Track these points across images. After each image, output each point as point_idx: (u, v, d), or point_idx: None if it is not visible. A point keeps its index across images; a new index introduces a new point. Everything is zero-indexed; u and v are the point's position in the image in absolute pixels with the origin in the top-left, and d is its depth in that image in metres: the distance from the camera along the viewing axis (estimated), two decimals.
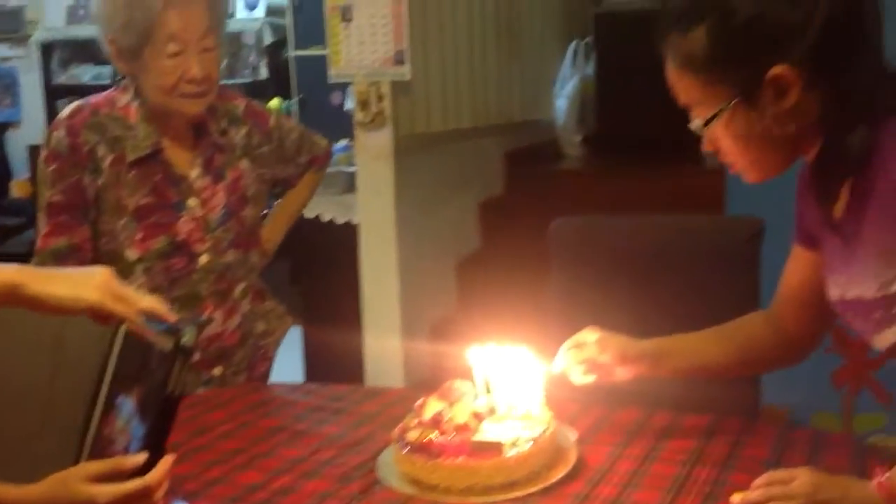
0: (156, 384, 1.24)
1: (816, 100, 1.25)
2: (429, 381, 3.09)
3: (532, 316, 2.43)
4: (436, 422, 1.50)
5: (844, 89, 1.23)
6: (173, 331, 1.24)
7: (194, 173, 2.04)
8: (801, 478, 1.24)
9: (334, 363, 3.25)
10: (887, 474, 1.20)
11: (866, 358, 2.44)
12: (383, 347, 3.18)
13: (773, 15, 1.23)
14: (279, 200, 2.40)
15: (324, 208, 3.68)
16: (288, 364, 3.66)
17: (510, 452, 1.42)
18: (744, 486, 1.33)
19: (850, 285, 1.30)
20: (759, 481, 1.29)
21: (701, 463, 1.45)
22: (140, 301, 1.22)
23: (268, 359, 2.23)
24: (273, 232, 2.32)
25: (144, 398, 1.24)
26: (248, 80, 5.69)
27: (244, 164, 2.11)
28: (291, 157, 2.26)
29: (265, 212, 2.29)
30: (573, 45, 4.61)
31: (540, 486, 1.40)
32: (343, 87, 4.43)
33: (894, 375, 2.40)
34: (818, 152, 1.29)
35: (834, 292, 1.36)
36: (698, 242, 2.12)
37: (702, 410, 1.68)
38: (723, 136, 1.31)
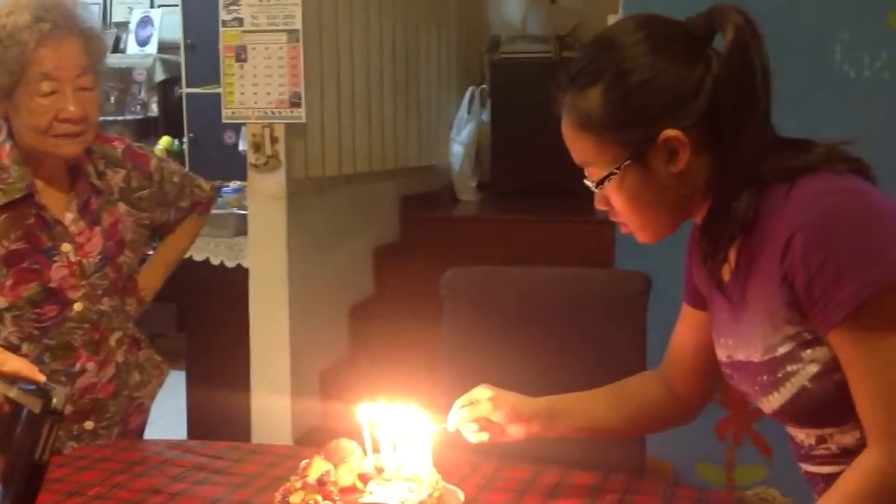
0: (23, 449, 1.16)
1: (705, 163, 1.28)
2: (317, 429, 3.04)
3: (424, 366, 2.42)
4: (321, 484, 1.45)
5: (733, 154, 1.25)
6: (43, 392, 1.17)
7: (69, 217, 1.95)
8: None
9: (219, 413, 3.15)
10: None
11: (749, 410, 2.50)
12: (271, 399, 3.11)
13: (666, 79, 1.25)
14: (158, 246, 2.32)
15: (213, 251, 3.60)
16: (170, 413, 3.55)
17: None
18: None
19: (737, 348, 1.32)
20: None
21: None
22: (5, 363, 1.15)
23: (143, 411, 2.14)
24: (151, 279, 2.23)
25: (10, 465, 1.16)
26: (138, 116, 5.55)
27: (122, 207, 2.04)
28: (172, 201, 2.19)
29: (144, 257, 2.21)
30: (469, 91, 4.65)
31: None
32: (237, 126, 4.36)
33: (775, 428, 2.46)
34: (706, 215, 1.31)
35: (722, 353, 1.38)
36: (589, 295, 2.14)
37: (590, 467, 1.68)
38: (615, 196, 1.32)
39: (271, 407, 3.11)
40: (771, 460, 2.48)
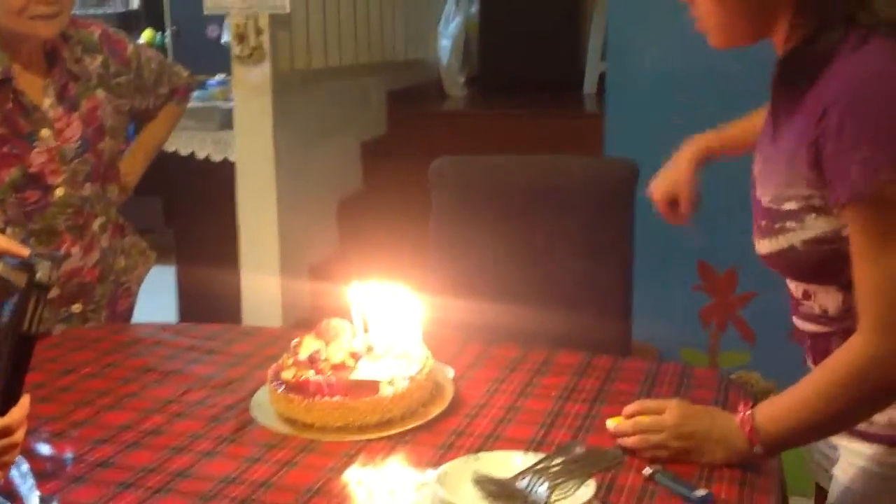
0: (10, 322, 1.17)
1: None
2: (308, 321, 3.07)
3: (412, 257, 2.43)
4: (312, 361, 1.48)
5: None
6: (27, 266, 1.18)
7: (47, 102, 1.94)
8: (669, 409, 1.28)
9: (210, 305, 3.17)
10: (749, 411, 1.24)
11: (732, 297, 2.53)
12: (261, 288, 3.13)
13: None
14: (138, 134, 2.31)
15: (198, 145, 3.57)
16: (162, 306, 3.58)
17: (387, 391, 1.42)
18: None
19: (758, 181, 1.31)
20: (630, 409, 1.32)
21: (573, 398, 1.48)
22: None
23: (130, 295, 2.16)
24: (132, 166, 2.23)
25: None
26: (119, 10, 5.44)
27: (100, 93, 2.02)
28: (151, 88, 2.18)
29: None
30: None
31: (416, 423, 1.40)
32: (220, 19, 4.28)
33: (758, 314, 2.50)
34: (790, 46, 1.24)
35: (754, 169, 1.35)
36: (575, 182, 2.14)
37: (576, 347, 1.71)
38: None
39: (262, 298, 3.13)
40: (753, 345, 2.53)
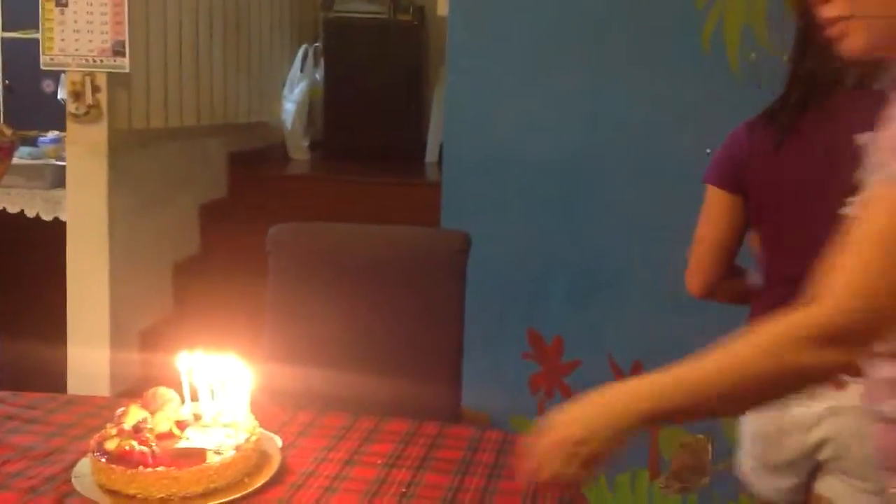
0: None
1: None
2: (136, 391, 2.99)
3: (248, 323, 2.43)
4: (137, 430, 1.46)
5: None
6: None
7: None
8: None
9: (33, 372, 3.03)
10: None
11: (559, 364, 2.64)
12: (88, 354, 3.03)
13: None
14: None
15: (28, 203, 3.44)
16: None
17: (213, 459, 1.41)
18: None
19: None
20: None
21: (398, 465, 1.52)
22: None
23: None
24: None
25: None
26: None
27: None
28: None
29: None
30: (303, 49, 4.62)
31: (241, 492, 1.40)
32: (56, 74, 4.17)
33: (582, 381, 2.61)
34: None
35: None
36: (411, 252, 2.20)
37: (408, 414, 1.75)
38: None
39: (89, 363, 3.03)
40: None
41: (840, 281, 1.04)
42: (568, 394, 2.65)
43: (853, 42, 1.13)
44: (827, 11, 1.14)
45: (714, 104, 2.41)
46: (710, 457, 2.59)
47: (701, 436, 2.58)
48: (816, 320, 1.04)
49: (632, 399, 1.13)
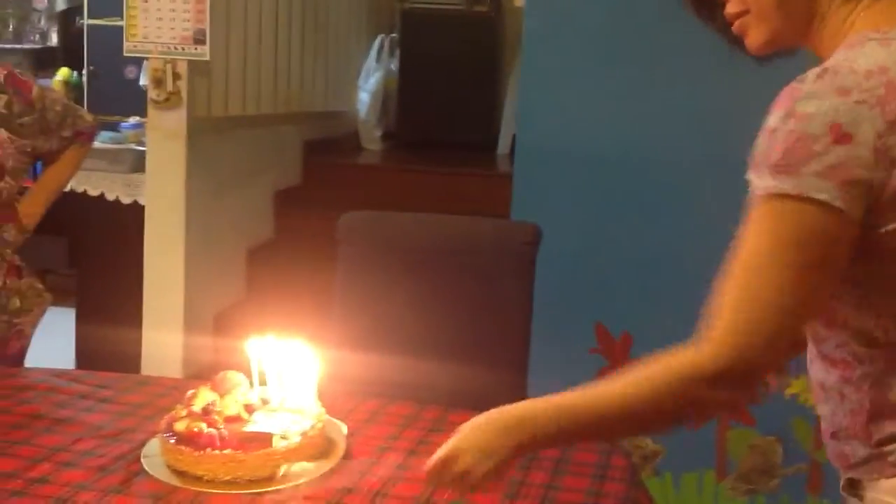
0: None
1: None
2: (207, 372, 3.05)
3: (318, 309, 2.45)
4: (206, 413, 1.49)
5: None
6: None
7: None
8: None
9: (108, 351, 3.12)
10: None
11: (627, 360, 2.61)
12: (162, 337, 3.09)
13: None
14: (40, 174, 2.31)
15: (108, 186, 3.54)
16: (59, 351, 3.50)
17: (279, 444, 1.43)
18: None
19: None
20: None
21: None
22: None
23: (24, 337, 2.14)
24: (32, 206, 2.22)
25: None
26: (37, 46, 5.37)
27: (3, 133, 2.04)
28: (55, 130, 2.19)
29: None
30: (379, 39, 4.64)
31: (305, 478, 1.42)
32: (139, 61, 4.26)
33: None
34: None
35: None
36: (480, 243, 2.20)
37: (473, 404, 1.74)
38: None
39: (163, 345, 3.10)
40: None
41: (722, 319, 1.04)
42: None
43: (754, 37, 1.14)
44: (728, 9, 1.15)
45: None
46: (779, 459, 2.53)
47: (771, 437, 2.53)
48: (702, 364, 1.04)
49: (509, 434, 1.17)
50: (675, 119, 2.56)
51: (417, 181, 3.96)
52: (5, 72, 2.08)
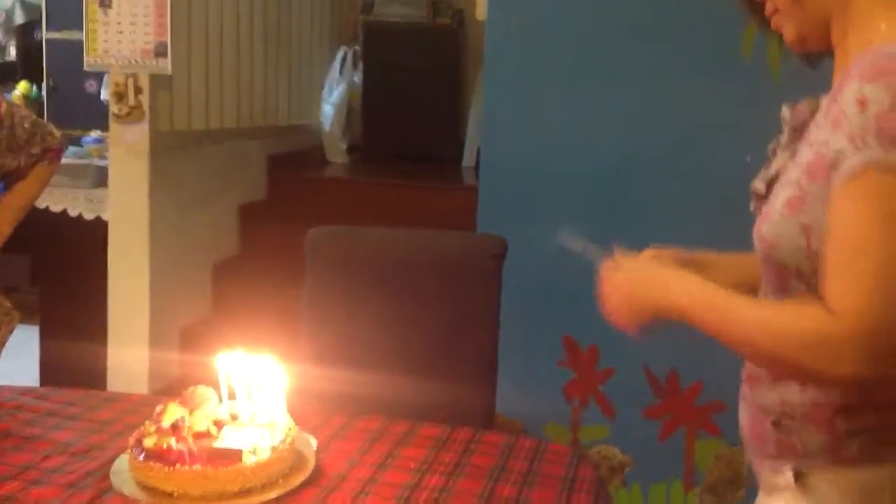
0: None
1: None
2: (174, 389, 3.03)
3: (285, 323, 2.45)
4: (175, 429, 1.48)
5: None
6: None
7: None
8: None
9: (74, 368, 3.09)
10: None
11: (594, 372, 2.63)
12: (128, 352, 3.07)
13: None
14: (6, 193, 2.29)
15: (70, 202, 3.50)
16: (22, 369, 3.45)
17: (249, 460, 1.43)
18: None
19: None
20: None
21: (431, 470, 1.52)
22: None
23: None
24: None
25: None
26: None
27: None
28: (23, 147, 2.17)
29: None
30: (342, 51, 4.65)
31: (275, 493, 1.42)
32: (99, 74, 4.24)
33: (617, 390, 2.60)
34: None
35: None
36: (447, 256, 2.21)
37: (442, 418, 1.75)
38: None
39: (129, 361, 3.07)
40: (613, 420, 2.62)
41: (857, 289, 1.00)
42: (603, 402, 2.64)
43: (786, 34, 1.20)
44: (766, 10, 1.22)
45: (754, 111, 2.39)
46: (745, 470, 2.57)
47: (737, 448, 2.56)
48: (836, 333, 1.01)
49: (650, 287, 1.28)
50: (638, 131, 2.59)
51: (383, 194, 3.97)
52: None
